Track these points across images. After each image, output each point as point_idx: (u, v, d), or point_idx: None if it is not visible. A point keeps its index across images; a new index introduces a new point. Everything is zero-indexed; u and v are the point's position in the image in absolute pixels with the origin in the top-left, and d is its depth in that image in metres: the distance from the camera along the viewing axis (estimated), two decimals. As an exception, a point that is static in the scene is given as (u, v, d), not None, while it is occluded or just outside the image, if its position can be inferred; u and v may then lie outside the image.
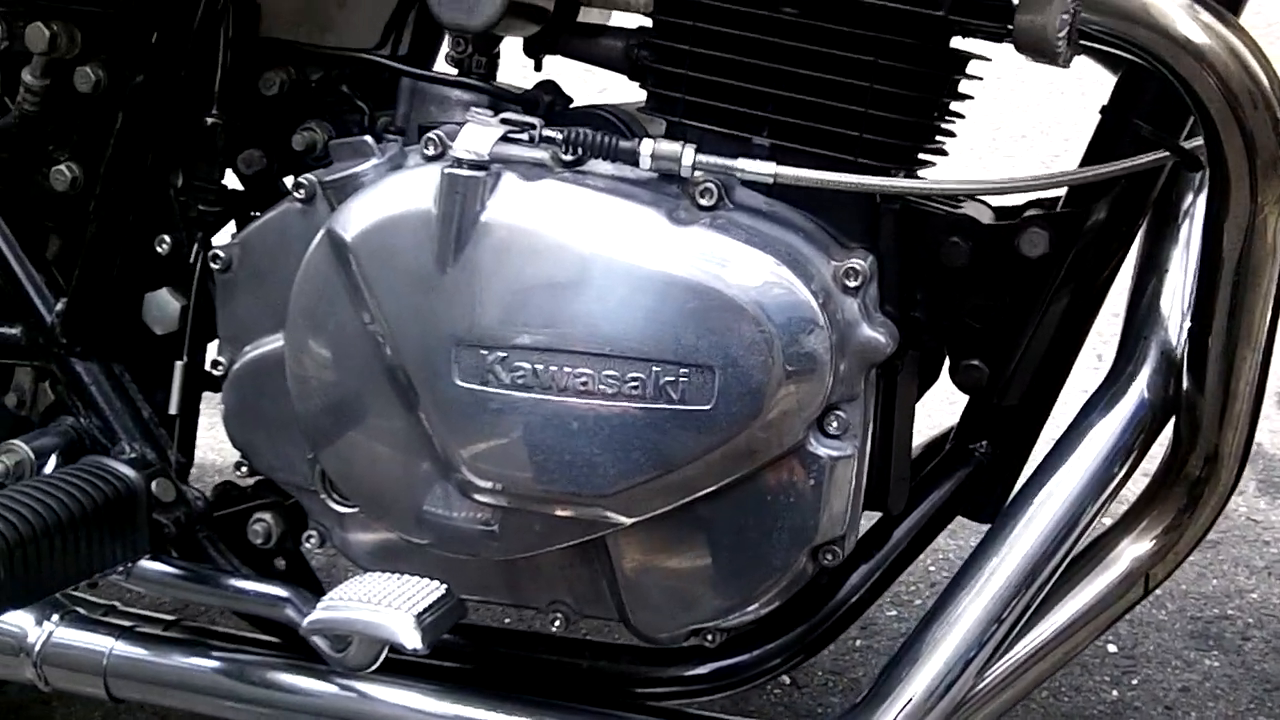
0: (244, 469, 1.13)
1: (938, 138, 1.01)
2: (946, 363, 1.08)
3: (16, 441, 1.13)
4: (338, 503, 1.10)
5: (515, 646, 1.14)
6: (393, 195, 0.97)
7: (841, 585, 1.09)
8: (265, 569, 1.16)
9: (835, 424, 0.97)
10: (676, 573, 1.01)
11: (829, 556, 1.00)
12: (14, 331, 1.18)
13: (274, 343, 1.09)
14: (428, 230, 0.95)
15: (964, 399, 1.11)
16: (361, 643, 0.98)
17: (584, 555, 1.06)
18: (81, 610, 1.19)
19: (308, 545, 1.14)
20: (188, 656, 1.15)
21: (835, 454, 0.97)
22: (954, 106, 1.02)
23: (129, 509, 1.04)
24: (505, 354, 0.94)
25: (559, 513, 0.97)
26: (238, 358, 1.11)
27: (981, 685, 1.01)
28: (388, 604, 0.94)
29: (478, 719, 1.07)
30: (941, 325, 1.05)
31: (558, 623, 1.08)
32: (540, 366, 0.94)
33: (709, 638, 1.05)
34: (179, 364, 1.14)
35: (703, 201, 0.96)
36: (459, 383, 0.95)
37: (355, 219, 0.98)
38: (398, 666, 1.08)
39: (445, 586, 0.97)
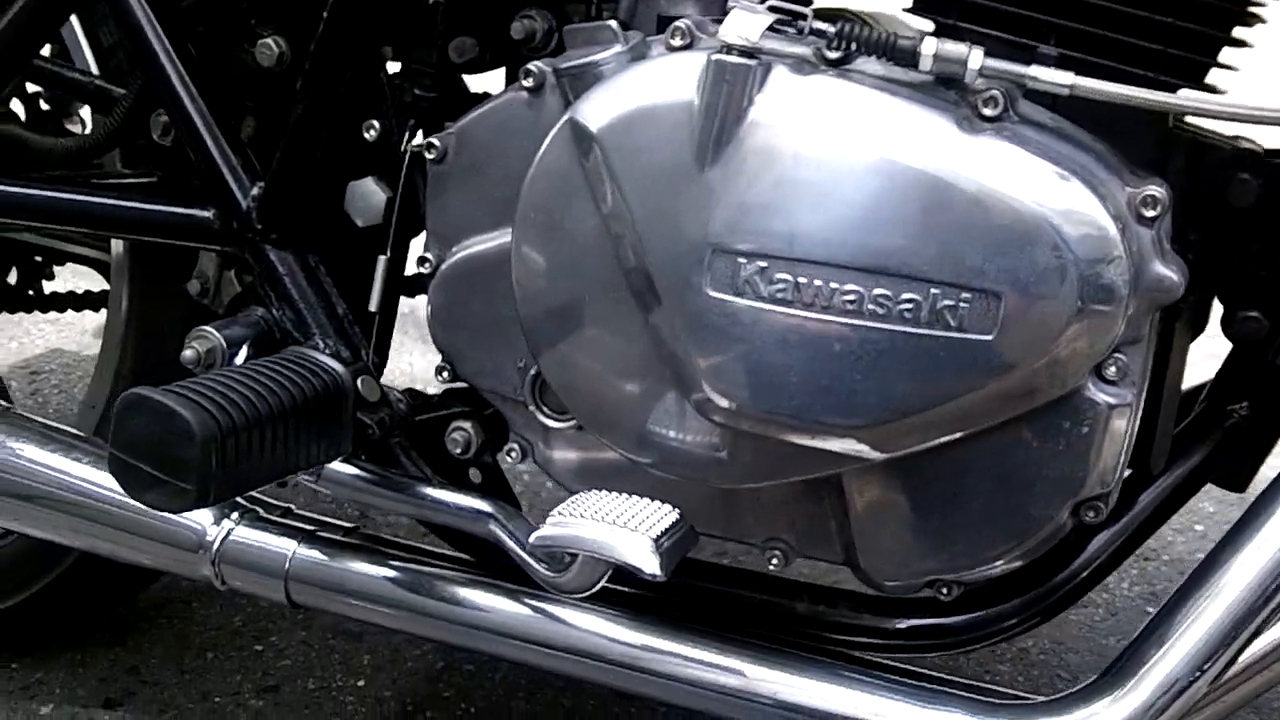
0: (445, 374, 1.06)
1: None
2: (1219, 312, 0.99)
3: (208, 328, 1.06)
4: (548, 415, 1.03)
5: (722, 582, 1.06)
6: (648, 83, 0.88)
7: (1084, 547, 1.00)
8: (458, 480, 1.09)
9: (1114, 369, 0.88)
10: (920, 517, 0.93)
11: (1091, 513, 0.91)
12: (207, 214, 1.12)
13: (489, 241, 1.02)
14: (687, 123, 0.86)
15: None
16: (584, 565, 0.91)
17: (813, 491, 0.98)
18: (261, 510, 1.14)
19: (508, 459, 1.07)
20: (372, 565, 1.09)
21: (1113, 401, 0.88)
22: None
23: (336, 405, 0.98)
24: (765, 264, 0.85)
25: (804, 442, 0.89)
26: (447, 255, 1.04)
27: (1234, 669, 0.92)
28: (620, 525, 0.86)
29: (681, 655, 1.00)
30: (1220, 270, 0.94)
31: (775, 561, 1.00)
32: (803, 280, 0.85)
33: (944, 590, 0.96)
34: (382, 259, 1.08)
35: (986, 111, 0.86)
36: (710, 292, 0.87)
37: (603, 108, 0.89)
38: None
39: (678, 511, 0.89)
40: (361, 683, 1.52)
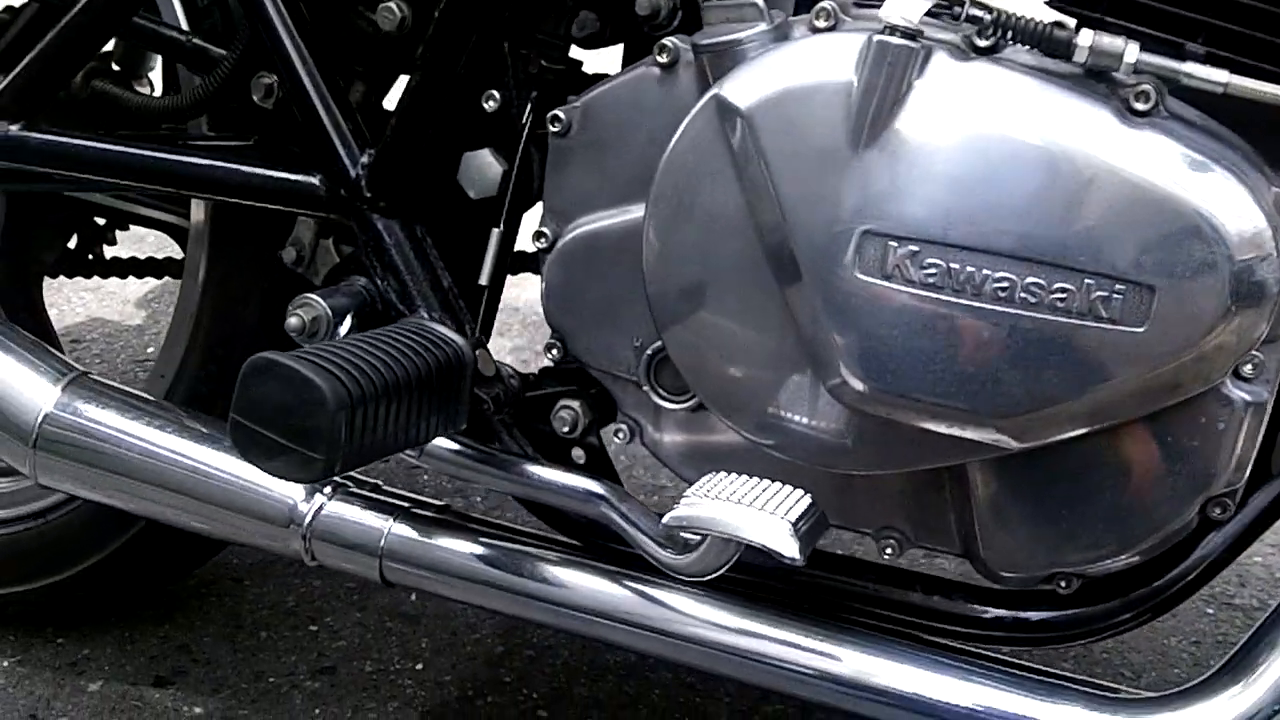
0: (554, 351, 1.05)
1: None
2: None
3: (313, 296, 1.05)
4: (662, 396, 1.02)
5: (833, 571, 1.05)
6: (802, 62, 0.87)
7: (1198, 544, 1.00)
8: (560, 460, 1.08)
9: (1251, 366, 0.88)
10: (1048, 510, 0.92)
11: (1218, 510, 0.91)
12: (312, 180, 1.10)
13: (610, 217, 1.01)
14: (843, 103, 0.85)
15: None
16: (711, 548, 0.90)
17: (934, 480, 0.97)
18: (352, 485, 1.12)
19: (616, 439, 1.06)
20: (468, 544, 1.08)
21: (1248, 399, 0.88)
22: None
23: (456, 379, 0.96)
24: (917, 248, 0.84)
25: (941, 430, 0.88)
26: (564, 231, 1.03)
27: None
28: (757, 508, 0.85)
29: (790, 642, 0.99)
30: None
31: (889, 551, 1.00)
32: (955, 266, 0.84)
33: (1063, 584, 0.96)
34: (495, 231, 1.06)
35: (1138, 105, 0.86)
36: (857, 274, 0.86)
37: (752, 86, 0.88)
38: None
39: (810, 495, 0.88)
40: (420, 666, 1.50)
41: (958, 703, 0.94)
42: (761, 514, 0.85)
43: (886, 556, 0.99)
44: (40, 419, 1.15)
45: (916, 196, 0.84)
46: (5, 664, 1.48)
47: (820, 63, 0.87)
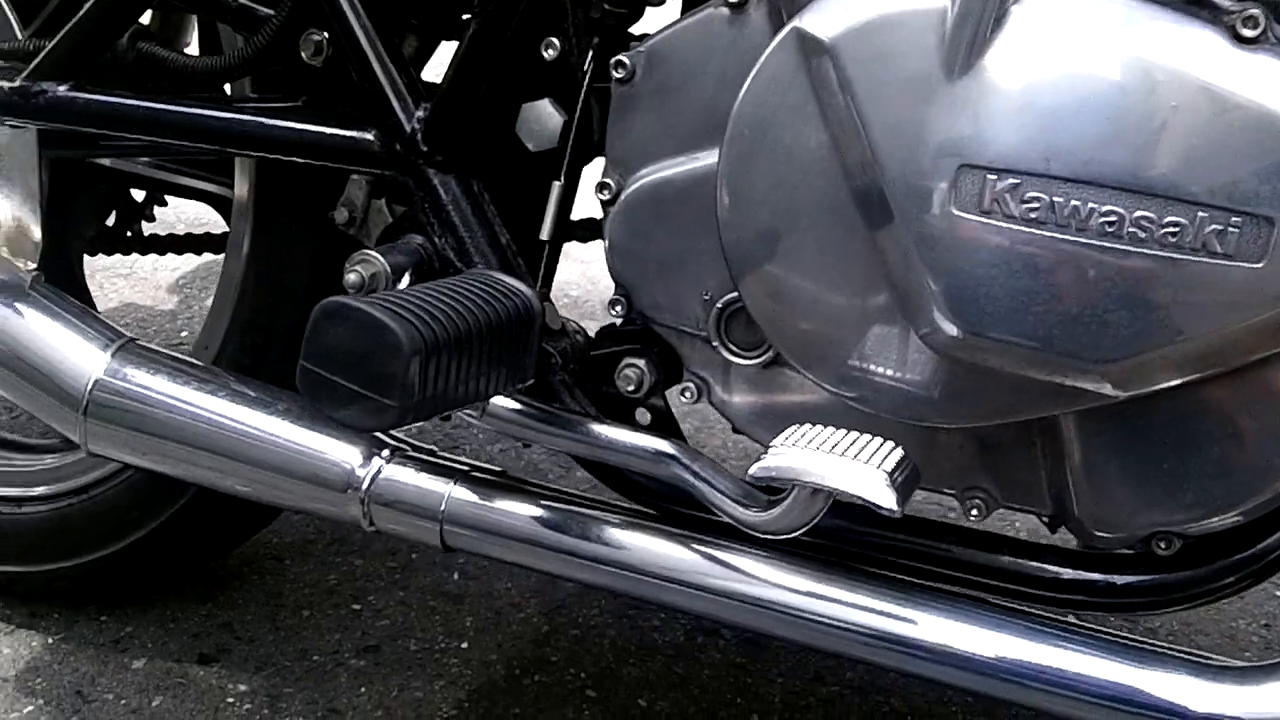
0: (619, 308, 1.01)
1: None
2: None
3: (372, 253, 1.01)
4: (732, 352, 0.98)
5: (914, 534, 1.01)
6: (891, -11, 0.83)
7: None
8: (623, 419, 1.04)
9: (1367, 311, 0.83)
10: (1149, 464, 0.88)
11: (1331, 463, 0.86)
12: (367, 136, 1.06)
13: (678, 165, 0.97)
14: (937, 29, 0.81)
15: None
16: (797, 502, 0.85)
17: (1023, 435, 0.93)
18: (409, 449, 1.08)
19: (683, 399, 1.02)
20: (531, 508, 1.04)
21: (1368, 344, 0.83)
22: None
23: (525, 330, 0.92)
24: (1017, 180, 0.80)
25: (1038, 376, 0.83)
26: (629, 182, 0.99)
27: None
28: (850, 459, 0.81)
29: (870, 608, 0.94)
30: None
31: (975, 512, 0.95)
32: (1059, 199, 0.80)
33: (1162, 544, 0.91)
34: (556, 184, 1.02)
35: (1244, 32, 0.81)
36: (953, 211, 0.81)
37: (836, 16, 0.84)
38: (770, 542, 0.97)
39: (901, 448, 0.84)
40: (465, 645, 1.46)
41: (1053, 668, 0.90)
42: (856, 463, 0.81)
43: (973, 518, 0.95)
44: (91, 385, 1.12)
45: (1016, 127, 0.80)
46: (50, 640, 1.45)
47: (913, -11, 0.83)
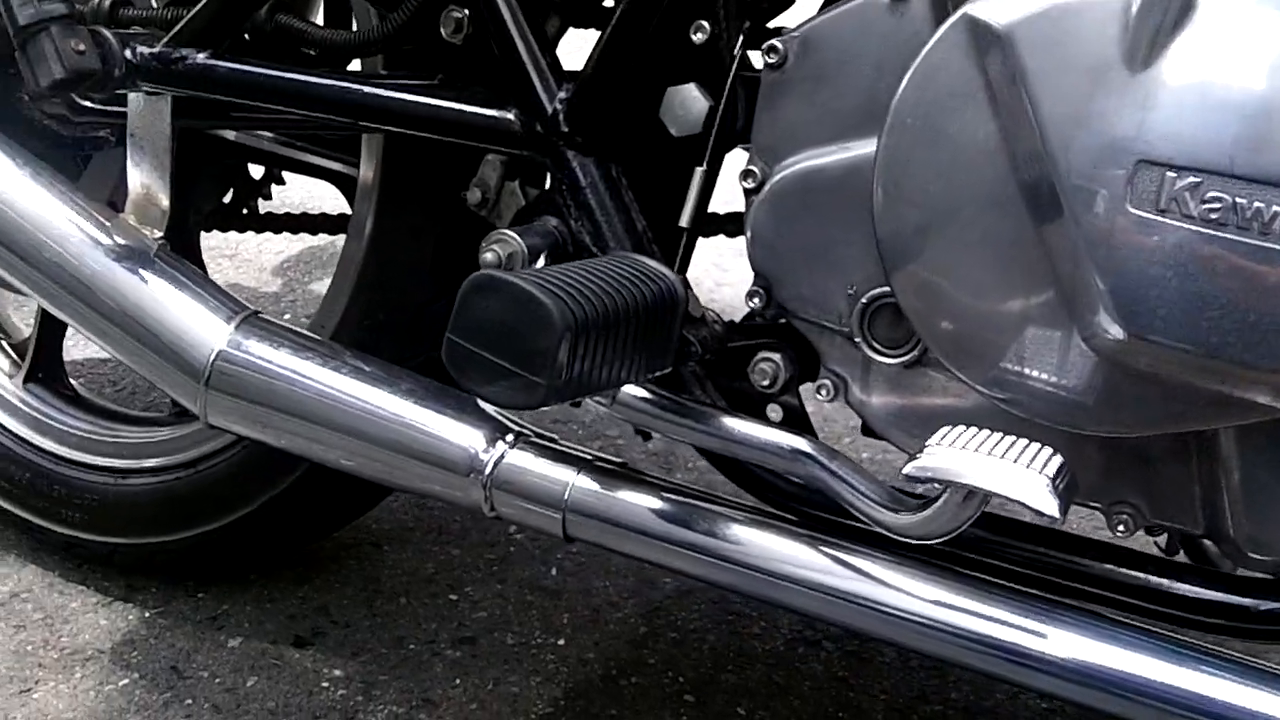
0: (757, 300, 0.99)
1: None
2: None
3: (509, 233, 1.00)
4: (876, 350, 0.95)
5: (1051, 546, 0.98)
6: (1073, -24, 0.80)
7: None
8: (752, 414, 1.01)
9: None
10: (1317, 483, 0.84)
11: None
12: (508, 115, 1.05)
13: (828, 155, 0.95)
14: (1118, 18, 0.78)
15: None
16: (948, 506, 0.82)
17: (1179, 449, 0.89)
18: (532, 435, 1.06)
19: (819, 396, 0.99)
20: (656, 501, 1.02)
21: None
22: None
23: (668, 316, 0.90)
24: (1198, 179, 0.77)
25: (1206, 386, 0.80)
26: (775, 170, 0.97)
27: None
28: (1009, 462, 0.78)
29: (1007, 622, 0.91)
30: None
31: (1122, 528, 0.92)
32: (1241, 200, 0.76)
33: (1322, 569, 0.87)
34: (699, 170, 1.00)
35: None
36: (1128, 208, 0.78)
37: (1012, 3, 0.81)
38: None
39: (1059, 454, 0.81)
40: (561, 641, 1.44)
41: (1194, 693, 0.86)
42: (1017, 467, 0.78)
43: (1119, 533, 0.91)
44: (213, 356, 1.12)
45: (1200, 123, 0.77)
46: (147, 615, 1.46)
47: (1097, -24, 0.80)
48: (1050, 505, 0.76)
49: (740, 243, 1.01)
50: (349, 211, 1.34)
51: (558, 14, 1.09)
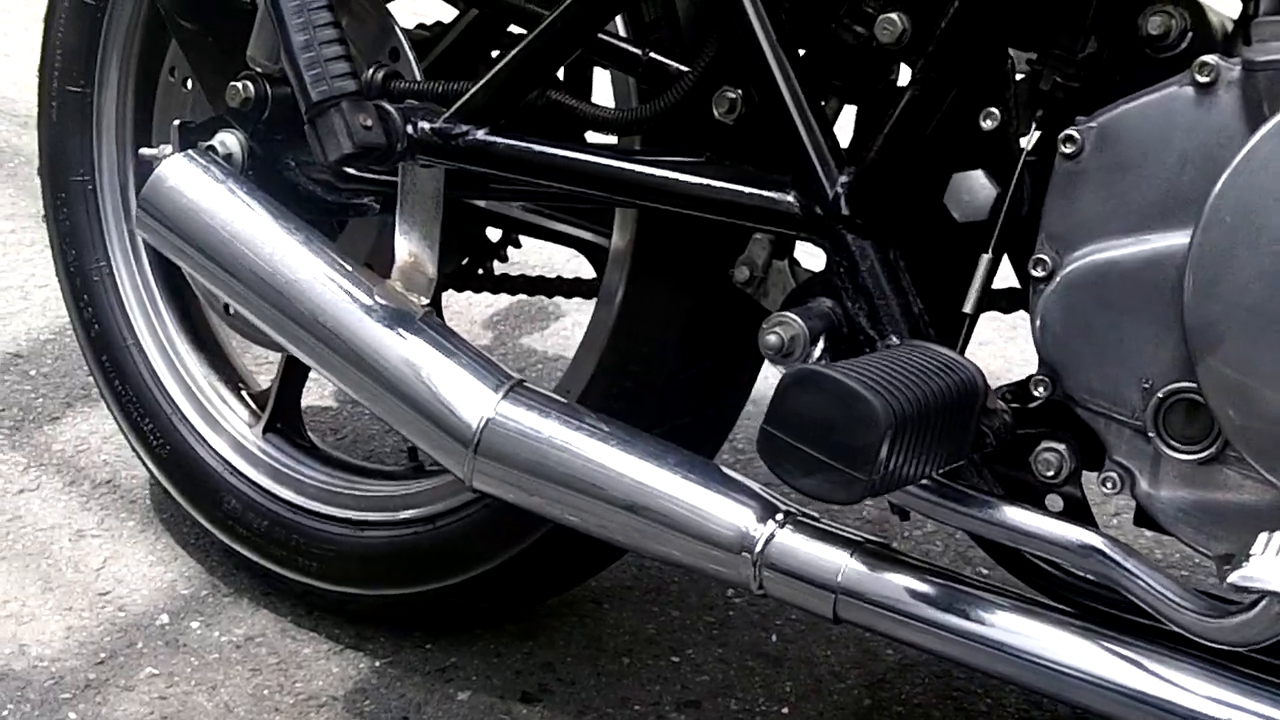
0: (1043, 388, 0.98)
1: None
2: None
3: (791, 315, 1.01)
4: (1170, 445, 0.93)
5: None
6: None
7: None
8: (1030, 503, 1.00)
9: None
10: None
11: None
12: (787, 197, 1.06)
13: (1125, 246, 0.94)
14: None
15: None
16: (1265, 613, 0.80)
17: None
18: (800, 515, 1.07)
19: (1104, 489, 0.98)
20: (925, 585, 1.01)
21: None
22: None
23: (970, 407, 0.90)
24: None
25: None
26: (1067, 260, 0.96)
27: None
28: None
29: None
30: None
31: None
32: None
33: None
34: (984, 257, 1.00)
35: None
36: None
37: (1348, 106, 0.80)
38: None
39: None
40: (785, 710, 1.44)
41: None
42: (1354, 580, 0.76)
43: None
44: (482, 424, 1.15)
45: None
46: (377, 664, 1.49)
47: None
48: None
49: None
50: (584, 276, 1.37)
51: (838, 95, 1.10)
